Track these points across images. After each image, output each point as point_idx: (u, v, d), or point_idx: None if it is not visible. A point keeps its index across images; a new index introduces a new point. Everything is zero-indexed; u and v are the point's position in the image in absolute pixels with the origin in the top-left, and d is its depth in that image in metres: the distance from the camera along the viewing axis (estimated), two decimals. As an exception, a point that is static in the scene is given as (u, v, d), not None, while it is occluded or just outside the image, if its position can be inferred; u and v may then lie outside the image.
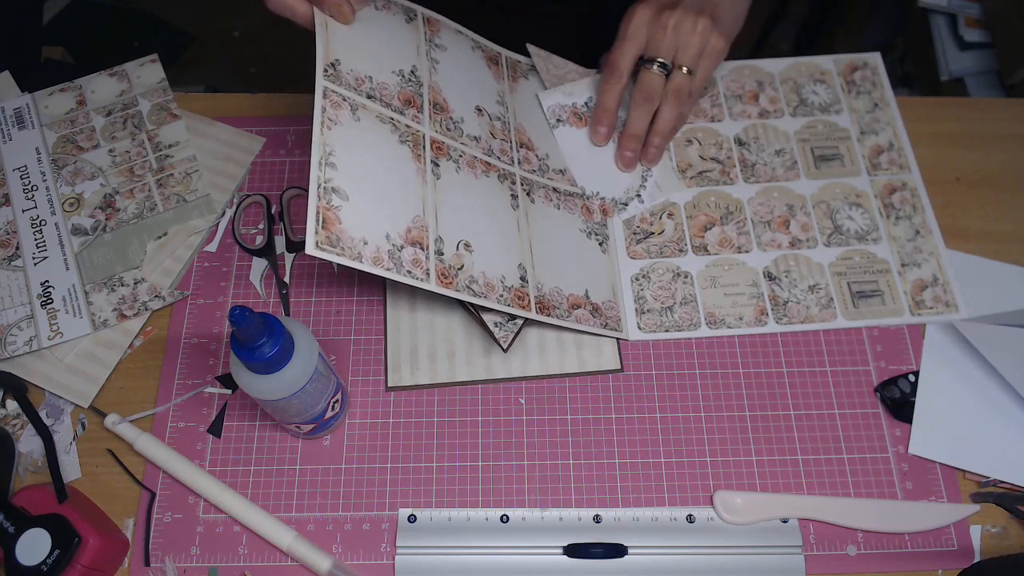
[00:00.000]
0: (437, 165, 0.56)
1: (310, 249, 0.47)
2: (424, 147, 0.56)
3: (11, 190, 0.64)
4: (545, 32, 0.70)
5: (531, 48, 0.70)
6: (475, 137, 0.60)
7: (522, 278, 0.57)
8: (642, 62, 0.62)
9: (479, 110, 0.61)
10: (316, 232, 0.48)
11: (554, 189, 0.63)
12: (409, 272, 0.51)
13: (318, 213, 0.48)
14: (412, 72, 0.58)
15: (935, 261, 0.62)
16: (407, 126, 0.56)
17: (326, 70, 0.53)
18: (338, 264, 0.49)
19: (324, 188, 0.49)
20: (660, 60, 0.61)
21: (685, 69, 0.61)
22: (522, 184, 0.61)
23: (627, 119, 0.64)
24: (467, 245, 0.55)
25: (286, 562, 0.53)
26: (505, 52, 0.67)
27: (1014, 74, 1.12)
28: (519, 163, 0.62)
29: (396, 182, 0.53)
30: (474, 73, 0.63)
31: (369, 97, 0.54)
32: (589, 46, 0.82)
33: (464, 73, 0.62)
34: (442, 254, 0.53)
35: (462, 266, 0.54)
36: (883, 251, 0.63)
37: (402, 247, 0.51)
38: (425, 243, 0.53)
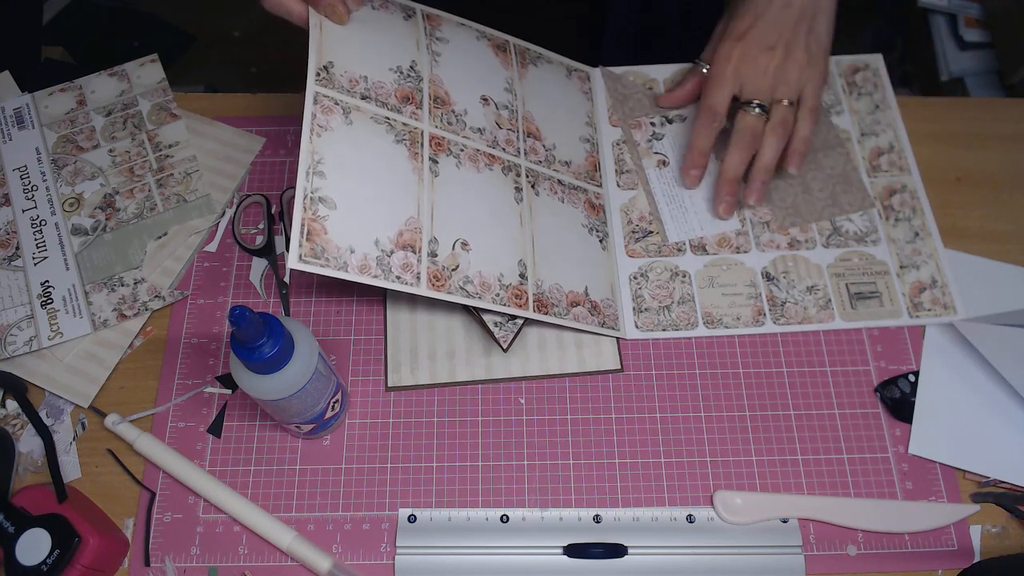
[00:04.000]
0: (436, 162, 0.56)
1: (293, 263, 0.47)
2: (422, 144, 0.56)
3: (11, 190, 0.64)
4: (545, 32, 0.70)
5: (602, 70, 0.70)
6: (479, 129, 0.60)
7: (521, 275, 0.57)
8: (738, 104, 0.60)
9: (485, 99, 0.61)
10: (300, 245, 0.48)
11: (559, 181, 0.63)
12: (398, 278, 0.51)
13: (303, 225, 0.48)
14: (411, 67, 0.58)
15: (934, 263, 0.62)
16: (404, 124, 0.56)
17: (318, 74, 0.53)
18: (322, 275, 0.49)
19: (311, 199, 0.49)
20: (759, 102, 0.60)
21: (786, 102, 0.59)
22: (527, 176, 0.61)
23: (724, 162, 0.61)
24: (464, 244, 0.55)
25: (286, 562, 0.53)
26: (513, 39, 0.67)
27: (1014, 74, 1.12)
28: (525, 154, 0.61)
29: (390, 184, 0.53)
30: (480, 62, 0.63)
31: (364, 98, 0.54)
32: (589, 46, 0.82)
33: (469, 63, 0.62)
34: (436, 255, 0.53)
35: (457, 266, 0.54)
36: (882, 253, 0.63)
37: (392, 252, 0.51)
38: (418, 246, 0.53)
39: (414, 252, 0.52)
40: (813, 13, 0.60)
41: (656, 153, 0.67)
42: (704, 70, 0.65)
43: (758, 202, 0.62)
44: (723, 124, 0.62)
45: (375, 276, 0.50)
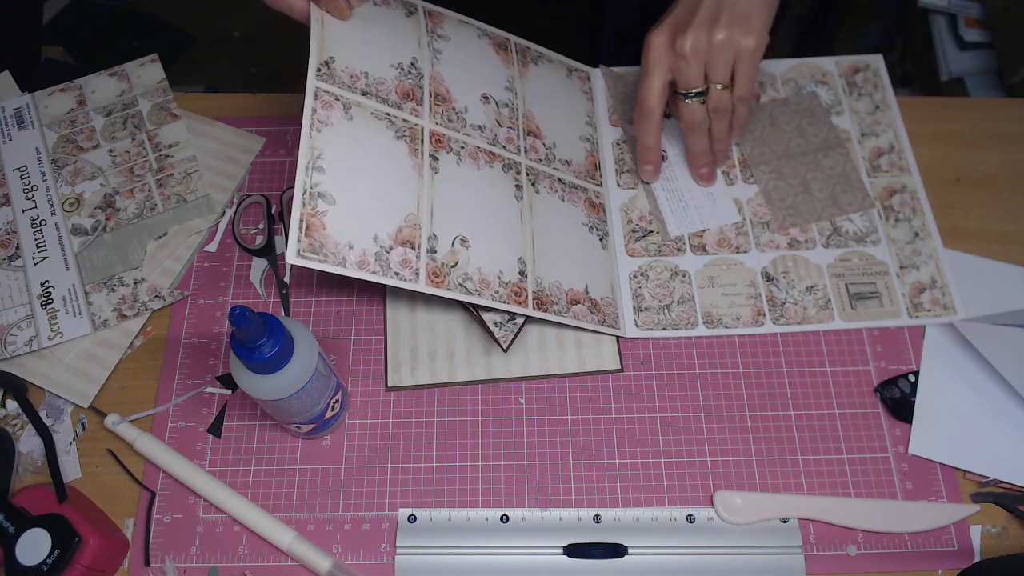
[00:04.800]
0: (436, 159, 0.56)
1: (291, 258, 0.47)
2: (422, 141, 0.56)
3: (11, 190, 0.64)
4: (545, 32, 0.70)
5: (603, 69, 0.70)
6: (479, 127, 0.60)
7: (521, 272, 0.57)
8: (675, 94, 0.59)
9: (485, 97, 0.61)
10: (299, 240, 0.48)
11: (559, 180, 0.63)
12: (397, 274, 0.51)
13: (302, 220, 0.48)
14: (412, 64, 0.58)
15: (934, 264, 0.62)
16: (404, 120, 0.56)
17: (319, 69, 0.53)
18: (320, 271, 0.49)
19: (310, 194, 0.49)
20: (693, 90, 0.57)
21: (719, 86, 0.57)
22: (527, 174, 0.61)
23: (685, 146, 0.63)
24: (464, 240, 0.55)
25: (286, 562, 0.53)
26: (514, 38, 0.67)
27: (1014, 74, 1.12)
28: (525, 152, 0.62)
29: (390, 180, 0.53)
30: (481, 60, 0.63)
31: (364, 94, 0.54)
32: (589, 46, 0.82)
33: (469, 61, 0.62)
34: (435, 252, 0.53)
35: (456, 263, 0.54)
36: (882, 253, 0.63)
37: (391, 248, 0.51)
38: (417, 242, 0.53)
39: (413, 248, 0.52)
40: None
41: None
42: None
43: (721, 163, 0.65)
44: (659, 117, 0.60)
45: (374, 272, 0.50)
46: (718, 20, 0.55)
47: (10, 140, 0.66)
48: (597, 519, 0.54)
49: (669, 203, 0.64)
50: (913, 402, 0.57)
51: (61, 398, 0.58)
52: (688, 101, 0.58)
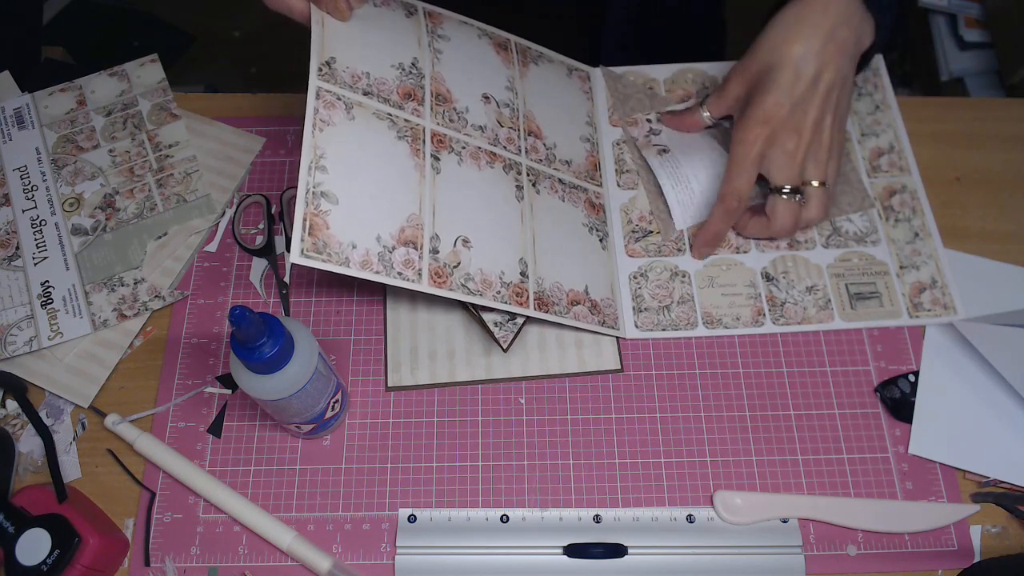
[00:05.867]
0: (437, 159, 0.56)
1: (295, 257, 0.47)
2: (424, 141, 0.56)
3: (11, 190, 0.64)
4: (545, 32, 0.70)
5: (603, 69, 0.70)
6: (480, 127, 0.60)
7: (522, 273, 0.57)
8: (771, 189, 0.57)
9: (486, 97, 0.61)
10: (302, 239, 0.48)
11: (559, 180, 0.63)
12: (400, 274, 0.51)
13: (305, 219, 0.48)
14: (413, 64, 0.58)
15: (934, 264, 0.62)
16: (406, 121, 0.56)
17: (320, 69, 0.53)
18: (323, 270, 0.49)
19: (313, 193, 0.49)
20: (791, 187, 0.57)
21: (817, 183, 0.57)
22: (528, 174, 0.61)
23: (743, 232, 0.61)
24: (465, 241, 0.55)
25: (286, 562, 0.53)
26: (514, 38, 0.67)
27: (1014, 74, 1.12)
28: (526, 152, 0.61)
29: (392, 180, 0.53)
30: (481, 60, 0.63)
31: (366, 94, 0.54)
32: (589, 46, 0.82)
33: (470, 61, 0.62)
34: (437, 252, 0.53)
35: (458, 263, 0.54)
36: (882, 253, 0.63)
37: (394, 248, 0.51)
38: (419, 242, 0.53)
39: (416, 248, 0.52)
40: (841, 85, 0.56)
41: (655, 145, 0.67)
42: (706, 115, 0.63)
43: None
44: (743, 210, 0.59)
45: (377, 272, 0.50)
46: (824, 124, 0.56)
47: (10, 140, 0.66)
48: (597, 519, 0.54)
49: (675, 191, 0.63)
50: (913, 402, 0.57)
51: (61, 398, 0.58)
52: (785, 197, 0.57)
